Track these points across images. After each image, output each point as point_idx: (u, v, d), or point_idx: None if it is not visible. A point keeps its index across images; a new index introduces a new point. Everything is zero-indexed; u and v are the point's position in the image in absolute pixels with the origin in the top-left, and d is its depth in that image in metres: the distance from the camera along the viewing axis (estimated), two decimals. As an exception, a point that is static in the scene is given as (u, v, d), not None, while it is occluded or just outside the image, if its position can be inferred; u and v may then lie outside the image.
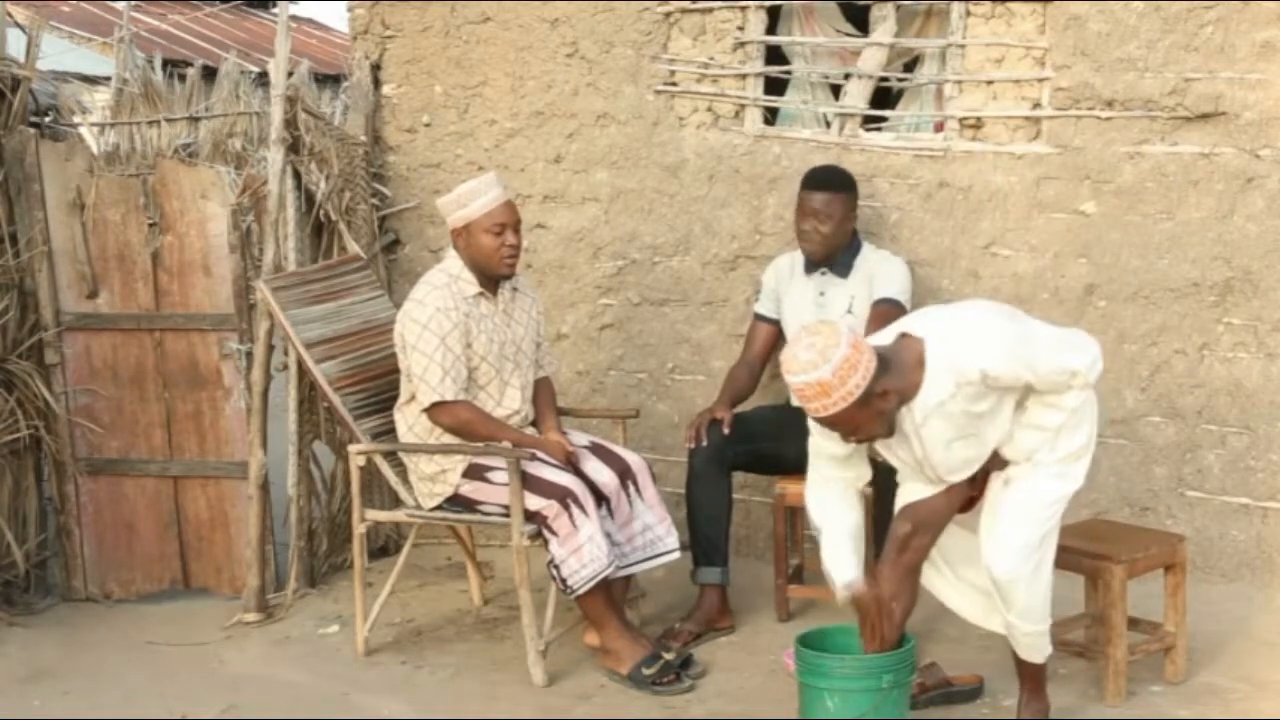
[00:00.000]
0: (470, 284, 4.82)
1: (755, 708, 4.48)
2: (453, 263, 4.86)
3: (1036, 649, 4.09)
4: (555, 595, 4.75)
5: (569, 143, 5.90)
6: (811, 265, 5.18)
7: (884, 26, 5.52)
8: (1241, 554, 5.24)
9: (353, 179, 5.82)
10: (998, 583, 3.95)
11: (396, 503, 5.13)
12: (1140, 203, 5.23)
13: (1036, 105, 5.33)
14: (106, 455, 5.67)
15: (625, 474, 4.90)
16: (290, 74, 5.61)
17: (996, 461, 4.01)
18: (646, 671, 4.62)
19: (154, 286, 5.57)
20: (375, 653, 5.03)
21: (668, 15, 5.72)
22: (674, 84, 5.75)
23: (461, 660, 4.96)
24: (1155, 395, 5.28)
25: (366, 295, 5.39)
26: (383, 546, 5.96)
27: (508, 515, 4.66)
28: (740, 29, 5.66)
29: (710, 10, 5.67)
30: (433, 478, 4.84)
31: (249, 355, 5.45)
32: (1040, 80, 5.31)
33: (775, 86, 5.79)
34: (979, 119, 5.41)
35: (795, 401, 5.23)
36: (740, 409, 5.19)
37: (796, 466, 4.99)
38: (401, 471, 4.96)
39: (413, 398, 4.83)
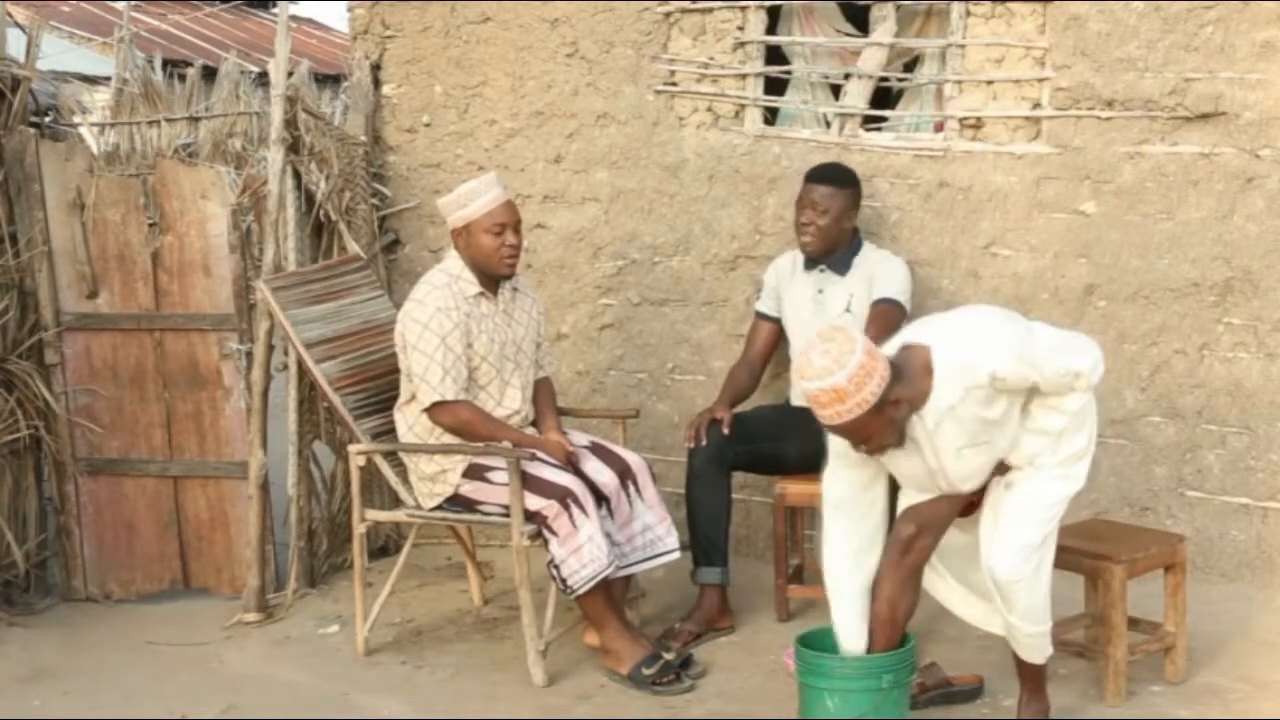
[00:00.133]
0: (471, 284, 4.82)
1: (755, 708, 4.48)
2: (453, 263, 4.86)
3: (1037, 650, 4.09)
4: (555, 595, 4.75)
5: (569, 143, 5.90)
6: (810, 262, 5.18)
7: (884, 26, 5.52)
8: (1241, 554, 5.24)
9: (353, 179, 5.82)
10: (999, 584, 3.95)
11: (396, 503, 5.13)
12: (1140, 203, 5.23)
13: (1036, 105, 5.33)
14: (106, 455, 5.67)
15: (625, 474, 4.90)
16: (290, 74, 5.61)
17: (999, 466, 4.01)
18: (646, 671, 4.62)
19: (154, 286, 5.57)
20: (375, 653, 5.03)
21: (668, 15, 5.72)
22: (674, 84, 5.75)
23: (461, 660, 4.96)
24: (1155, 395, 5.28)
25: (366, 295, 5.39)
26: (383, 546, 5.96)
27: (508, 515, 4.66)
28: (740, 29, 5.66)
29: (710, 10, 5.68)
30: (433, 478, 4.84)
31: (249, 355, 5.45)
32: (1040, 80, 5.31)
33: (775, 86, 5.79)
34: (979, 119, 5.41)
35: (795, 401, 5.26)
36: (740, 409, 5.19)
37: (796, 466, 5.01)
38: (401, 471, 4.96)
39: (413, 398, 4.83)
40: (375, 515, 5.14)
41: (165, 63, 8.32)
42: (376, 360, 5.15)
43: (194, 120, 6.64)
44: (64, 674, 4.97)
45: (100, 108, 7.50)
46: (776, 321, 5.30)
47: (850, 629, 4.06)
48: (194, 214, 5.50)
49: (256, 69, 9.68)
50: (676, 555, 4.98)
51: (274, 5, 17.76)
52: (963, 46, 5.40)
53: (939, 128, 5.56)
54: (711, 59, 5.69)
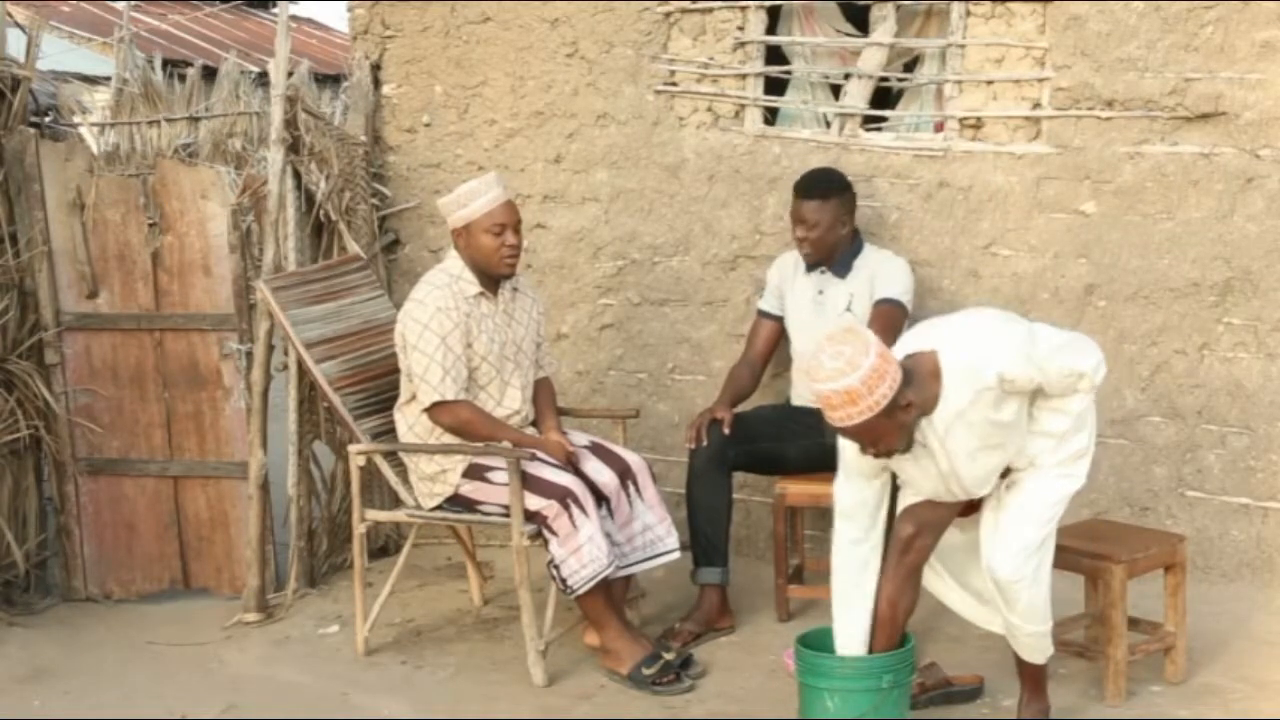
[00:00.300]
0: (471, 284, 4.82)
1: (755, 708, 4.48)
2: (453, 263, 4.86)
3: (1038, 650, 4.10)
4: (555, 595, 4.75)
5: (569, 143, 5.90)
6: (811, 264, 5.18)
7: (884, 26, 5.52)
8: (1241, 554, 5.24)
9: (353, 179, 5.82)
10: (1000, 584, 3.95)
11: (396, 503, 5.13)
12: (1140, 203, 5.23)
13: (1036, 105, 5.33)
14: (106, 455, 5.67)
15: (625, 474, 4.90)
16: (290, 74, 5.61)
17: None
18: (646, 671, 4.62)
19: (154, 286, 5.57)
20: (375, 653, 5.03)
21: (668, 15, 5.72)
22: (674, 84, 5.75)
23: (461, 660, 4.96)
24: (1155, 395, 5.28)
25: (366, 295, 5.39)
26: (383, 546, 5.96)
27: (508, 515, 4.66)
28: (740, 29, 5.66)
29: (710, 10, 5.67)
30: (433, 478, 4.84)
31: (249, 355, 5.45)
32: (1040, 80, 5.31)
33: (775, 86, 5.79)
34: (979, 119, 5.41)
35: (796, 401, 5.27)
36: (740, 409, 5.19)
37: (797, 466, 5.02)
38: (401, 471, 4.96)
39: (413, 397, 4.83)
40: (375, 515, 5.14)
41: (165, 63, 8.33)
42: (376, 360, 5.15)
43: (194, 120, 6.65)
44: (64, 674, 4.97)
45: (100, 108, 7.51)
46: (778, 320, 5.30)
47: (850, 635, 4.07)
48: (194, 214, 5.50)
49: (256, 69, 9.69)
50: (676, 555, 4.98)
51: (274, 5, 17.76)
52: (963, 46, 5.39)
53: (939, 128, 5.56)
54: (711, 59, 5.69)
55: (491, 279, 4.85)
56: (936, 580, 4.23)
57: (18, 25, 6.16)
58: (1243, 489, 5.21)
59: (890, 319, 4.99)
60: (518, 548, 4.65)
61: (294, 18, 15.10)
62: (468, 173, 5.80)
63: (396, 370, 4.91)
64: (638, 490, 4.92)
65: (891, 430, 3.74)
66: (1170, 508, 5.30)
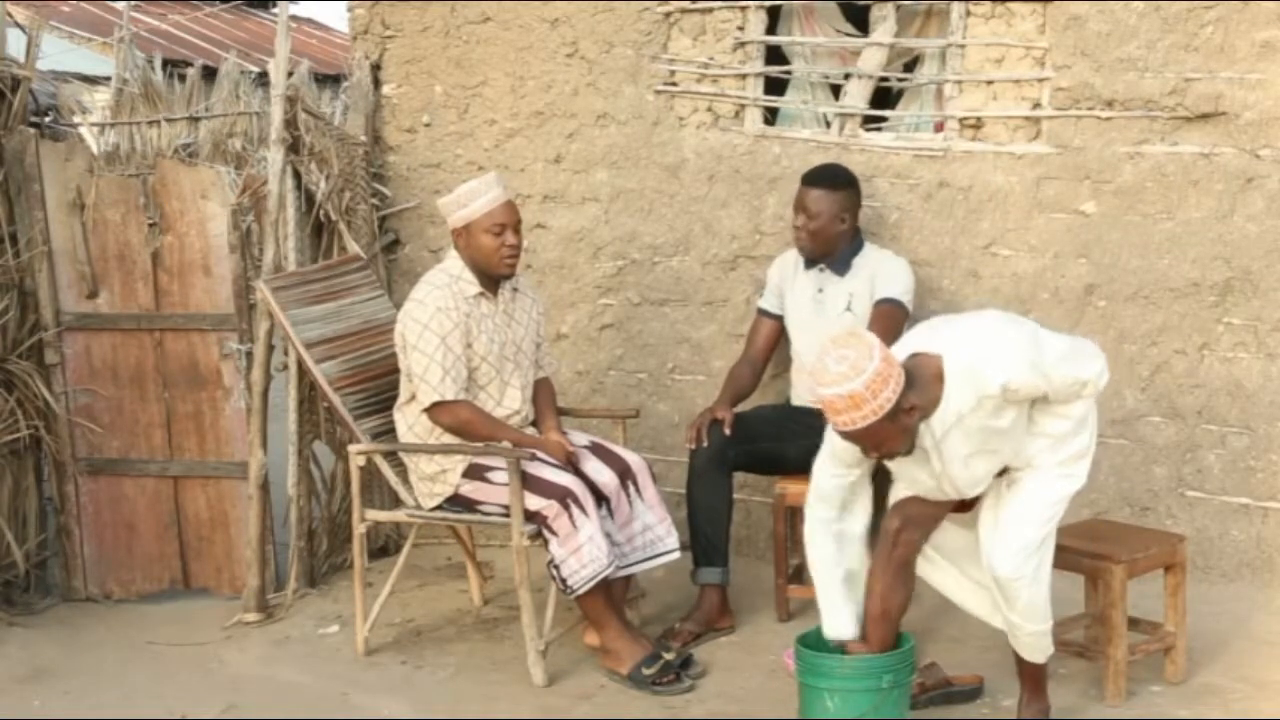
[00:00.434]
0: (471, 284, 4.82)
1: (755, 708, 4.48)
2: (453, 263, 4.86)
3: (1038, 649, 4.10)
4: (555, 595, 4.75)
5: (569, 143, 5.90)
6: (811, 262, 5.18)
7: (884, 26, 5.52)
8: (1241, 554, 5.24)
9: (353, 179, 5.82)
10: (1001, 583, 3.95)
11: (396, 503, 5.13)
12: (1140, 203, 5.23)
13: (1036, 105, 5.33)
14: (106, 455, 5.67)
15: (625, 474, 4.90)
16: (290, 74, 5.61)
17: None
18: (646, 671, 4.62)
19: (154, 286, 5.57)
20: (375, 653, 5.03)
21: (668, 15, 5.72)
22: (674, 84, 5.75)
23: (461, 660, 4.96)
24: (1155, 395, 5.28)
25: (366, 295, 5.39)
26: (383, 546, 5.96)
27: (508, 515, 4.66)
28: (740, 29, 5.66)
29: (710, 10, 5.67)
30: (433, 478, 4.84)
31: (249, 355, 5.45)
32: (1040, 80, 5.31)
33: (775, 86, 5.79)
34: (979, 119, 5.41)
35: (795, 401, 5.27)
36: (740, 408, 5.19)
37: (797, 466, 5.00)
38: (401, 471, 4.96)
39: (413, 397, 4.83)
40: (375, 515, 5.14)
41: (165, 63, 8.33)
42: (376, 360, 5.15)
43: (194, 120, 6.65)
44: (64, 674, 4.97)
45: (100, 108, 7.51)
46: (779, 319, 5.30)
47: (835, 613, 4.08)
48: (194, 214, 5.50)
49: (256, 69, 9.69)
50: (676, 555, 4.98)
51: (274, 5, 17.76)
52: (963, 46, 5.39)
53: (939, 128, 5.56)
54: (711, 59, 5.69)
55: (491, 279, 4.85)
56: (941, 574, 4.23)
57: (18, 25, 6.16)
58: (1243, 489, 5.21)
59: (891, 319, 4.99)
60: (518, 548, 4.65)
61: (294, 18, 15.11)
62: (468, 173, 5.80)
63: (396, 370, 4.91)
64: (638, 490, 4.92)
65: (894, 434, 3.74)
66: (1170, 508, 5.30)
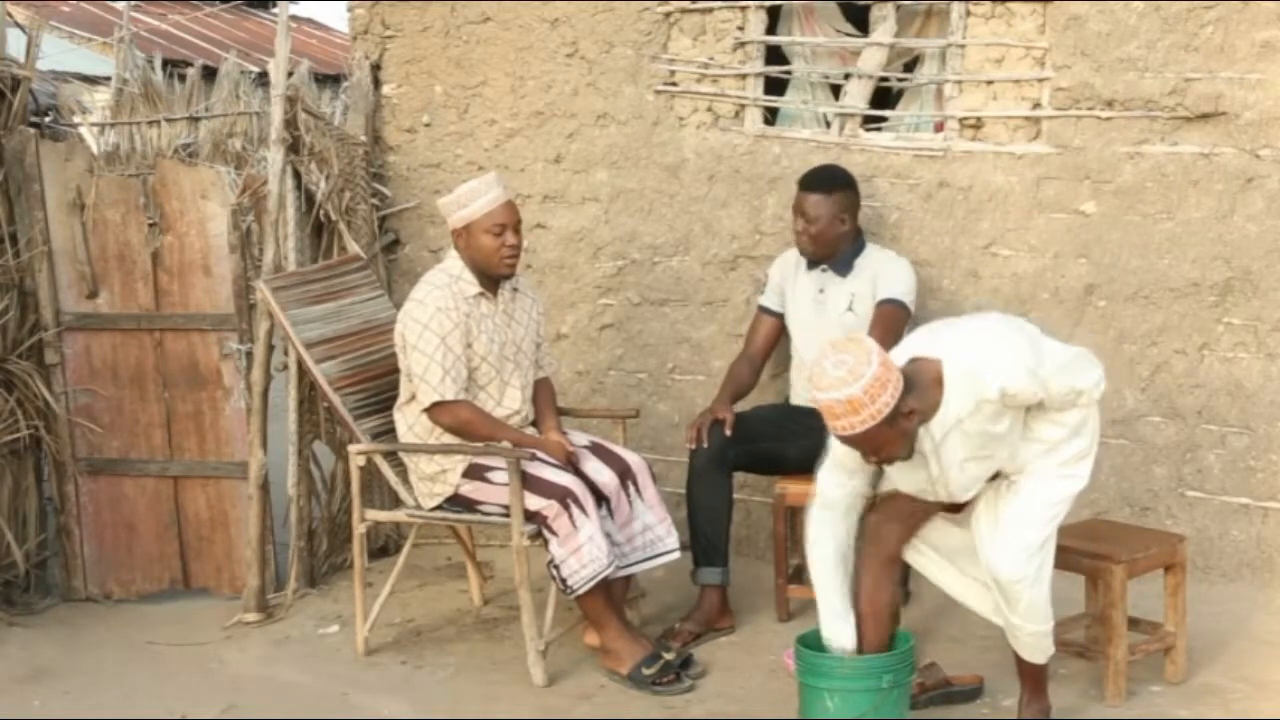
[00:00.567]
0: (471, 284, 4.82)
1: (755, 708, 4.48)
2: (453, 263, 4.86)
3: (1039, 649, 4.09)
4: (555, 595, 4.75)
5: (569, 143, 5.90)
6: (812, 262, 5.18)
7: (884, 26, 5.52)
8: (1241, 554, 5.24)
9: (353, 179, 5.82)
10: (1002, 585, 3.94)
11: (396, 503, 5.13)
12: (1140, 203, 5.23)
13: (1036, 105, 5.33)
14: (106, 455, 5.67)
15: (625, 474, 4.90)
16: (290, 74, 5.61)
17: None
18: (646, 671, 4.62)
19: (154, 286, 5.57)
20: (375, 653, 5.03)
21: (668, 15, 5.72)
22: (674, 84, 5.75)
23: (461, 660, 4.96)
24: (1155, 395, 5.28)
25: (366, 295, 5.39)
26: (383, 546, 5.96)
27: (508, 515, 4.66)
28: (740, 29, 5.66)
29: (710, 10, 5.67)
30: (433, 478, 4.84)
31: (249, 355, 5.45)
32: (1040, 80, 5.31)
33: (775, 86, 5.79)
34: (979, 119, 5.41)
35: (795, 401, 5.26)
36: (740, 408, 5.19)
37: (797, 466, 5.01)
38: (401, 471, 4.96)
39: (413, 397, 4.83)
40: (375, 515, 5.14)
41: (165, 63, 8.32)
42: (376, 360, 5.15)
43: (194, 120, 6.65)
44: (64, 674, 4.97)
45: (100, 108, 7.51)
46: (779, 317, 5.30)
47: (836, 621, 4.08)
48: (194, 214, 5.50)
49: (256, 69, 9.68)
50: (676, 555, 4.98)
51: (274, 5, 17.75)
52: (963, 46, 5.39)
53: (939, 128, 5.56)
54: (711, 59, 5.69)
55: (491, 279, 4.85)
56: (942, 573, 4.23)
57: (18, 25, 6.16)
58: (1243, 489, 5.21)
59: (892, 319, 4.99)
60: (518, 548, 4.65)
61: (294, 18, 15.10)
62: (468, 173, 5.80)
63: (396, 370, 4.91)
64: (638, 490, 4.92)
65: (893, 438, 3.74)
66: (1170, 508, 5.29)
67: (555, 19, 5.84)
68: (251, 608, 5.40)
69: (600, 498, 4.77)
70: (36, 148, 5.54)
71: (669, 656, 4.66)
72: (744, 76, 5.68)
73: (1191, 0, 5.08)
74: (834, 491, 4.07)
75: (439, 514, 4.89)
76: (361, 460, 4.93)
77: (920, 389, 3.76)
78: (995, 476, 4.02)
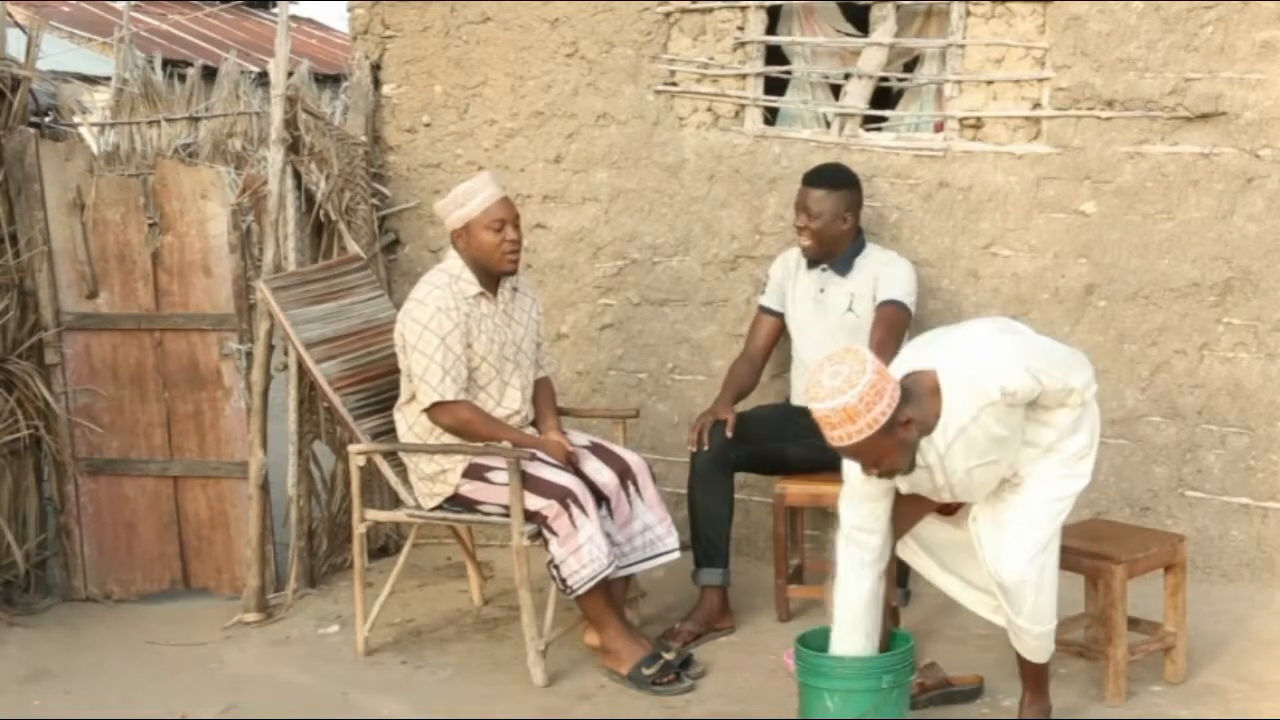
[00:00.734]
0: (471, 284, 4.82)
1: (755, 708, 4.48)
2: (453, 263, 4.86)
3: (1042, 649, 4.09)
4: (555, 595, 4.75)
5: (569, 143, 5.90)
6: (812, 262, 5.18)
7: (884, 26, 5.52)
8: (1241, 554, 5.24)
9: (353, 179, 5.82)
10: (1006, 588, 3.93)
11: (396, 503, 5.13)
12: (1140, 203, 5.23)
13: (1036, 105, 5.33)
14: (106, 455, 5.67)
15: (625, 474, 4.90)
16: (290, 74, 5.61)
17: None
18: (646, 671, 4.62)
19: (154, 286, 5.57)
20: (375, 653, 5.03)
21: (668, 15, 5.72)
22: (674, 84, 5.75)
23: (461, 660, 4.96)
24: (1155, 395, 5.28)
25: (366, 295, 5.39)
26: (383, 546, 5.96)
27: (508, 515, 4.66)
28: (740, 29, 5.66)
29: (710, 10, 5.67)
30: (433, 478, 4.84)
31: (249, 355, 5.45)
32: (1040, 80, 5.31)
33: (775, 86, 5.79)
34: (979, 119, 5.41)
35: (795, 401, 5.26)
36: (741, 408, 5.19)
37: (798, 467, 5.02)
38: (401, 471, 4.96)
39: (413, 398, 4.83)
40: (375, 515, 5.14)
41: (165, 63, 8.30)
42: (376, 360, 5.15)
43: (194, 120, 6.63)
44: (64, 674, 4.97)
45: (100, 108, 7.49)
46: (779, 317, 5.30)
47: (849, 636, 4.05)
48: (194, 214, 5.50)
49: (256, 69, 9.67)
50: (676, 555, 4.98)
51: (274, 5, 17.75)
52: (963, 46, 5.39)
53: (939, 128, 5.56)
54: (711, 59, 5.69)
55: (492, 278, 4.85)
56: (942, 575, 4.23)
57: (18, 25, 6.16)
58: (1243, 489, 5.21)
59: (894, 321, 4.99)
60: (518, 548, 4.65)
61: (294, 18, 15.09)
62: (468, 173, 5.79)
63: (396, 370, 4.91)
64: (638, 490, 4.92)
65: (892, 449, 3.72)
66: (1170, 508, 5.30)
67: (555, 19, 5.84)
68: (251, 608, 5.40)
69: (600, 498, 4.77)
70: (36, 148, 5.54)
71: (669, 656, 4.66)
72: (744, 76, 5.68)
73: (1191, 0, 5.08)
74: (854, 521, 4.02)
75: (439, 514, 4.89)
76: (361, 460, 4.93)
77: (917, 399, 3.75)
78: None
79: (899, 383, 3.73)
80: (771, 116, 5.77)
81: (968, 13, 5.37)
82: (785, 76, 5.76)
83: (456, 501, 4.84)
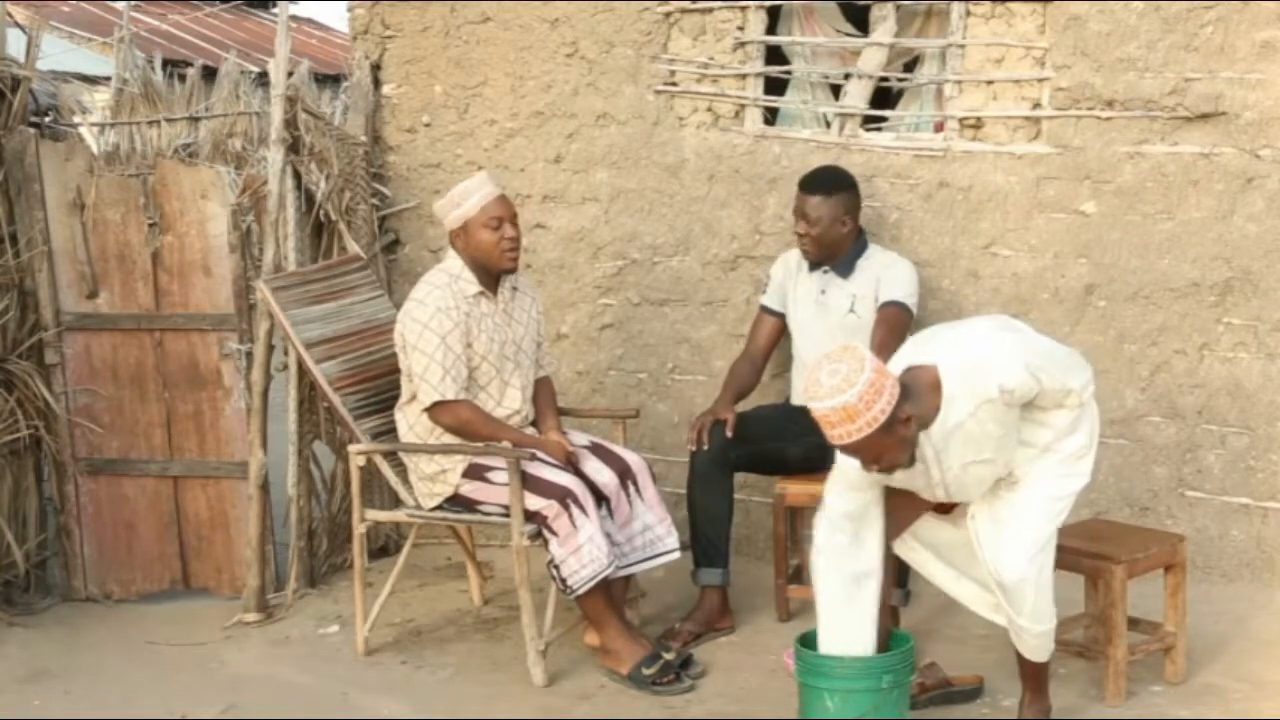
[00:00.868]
0: (471, 283, 4.82)
1: (755, 708, 4.48)
2: (453, 262, 4.86)
3: (1043, 648, 4.09)
4: (555, 595, 4.75)
5: (569, 143, 5.90)
6: (814, 263, 5.18)
7: (884, 26, 5.52)
8: (1241, 554, 5.24)
9: (353, 179, 5.82)
10: (1006, 587, 3.93)
11: (396, 503, 5.13)
12: (1140, 203, 5.23)
13: (1036, 105, 5.33)
14: (106, 455, 5.67)
15: (625, 474, 4.90)
16: (290, 74, 5.61)
17: None
18: (646, 671, 4.62)
19: (154, 286, 5.57)
20: (375, 653, 5.03)
21: (668, 15, 5.72)
22: (674, 84, 5.75)
23: (461, 660, 4.96)
24: (1155, 395, 5.28)
25: (366, 295, 5.39)
26: (383, 546, 5.96)
27: (508, 515, 4.66)
28: (740, 29, 5.66)
29: (710, 10, 5.67)
30: (433, 478, 4.84)
31: (249, 355, 5.45)
32: (1040, 80, 5.31)
33: (775, 86, 5.79)
34: (979, 119, 5.41)
35: (795, 401, 5.26)
36: (741, 408, 5.19)
37: (798, 467, 5.02)
38: (401, 471, 4.96)
39: (413, 397, 4.83)
40: (375, 515, 5.14)
41: (165, 63, 8.30)
42: (376, 360, 5.15)
43: (194, 120, 6.63)
44: (64, 674, 4.97)
45: (100, 108, 7.49)
46: (780, 317, 5.30)
47: (838, 633, 4.06)
48: (194, 214, 5.50)
49: (256, 69, 9.67)
50: (676, 555, 4.98)
51: (274, 5, 17.75)
52: (963, 46, 5.39)
53: (939, 128, 5.56)
54: (711, 59, 5.69)
55: (492, 277, 4.85)
56: (941, 573, 4.22)
57: (18, 25, 6.16)
58: (1243, 489, 5.21)
59: (896, 321, 4.99)
60: (518, 548, 4.65)
61: (294, 18, 15.09)
62: (468, 173, 5.79)
63: (396, 370, 4.91)
64: (638, 490, 4.92)
65: (892, 445, 3.72)
66: (1170, 508, 5.30)
67: (555, 19, 5.84)
68: (251, 608, 5.40)
69: (600, 498, 4.77)
70: (36, 148, 5.54)
71: (669, 656, 4.66)
72: (744, 76, 5.68)
73: (1191, 0, 5.08)
74: (839, 509, 4.03)
75: (439, 514, 4.89)
76: (361, 460, 4.93)
77: (917, 395, 3.75)
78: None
79: (898, 379, 3.74)
80: (771, 116, 5.77)
81: (968, 13, 5.37)
82: (785, 76, 5.76)
83: (456, 501, 4.84)
